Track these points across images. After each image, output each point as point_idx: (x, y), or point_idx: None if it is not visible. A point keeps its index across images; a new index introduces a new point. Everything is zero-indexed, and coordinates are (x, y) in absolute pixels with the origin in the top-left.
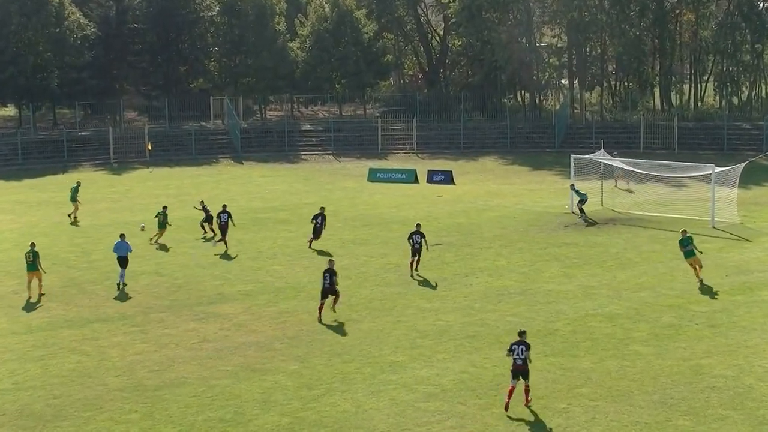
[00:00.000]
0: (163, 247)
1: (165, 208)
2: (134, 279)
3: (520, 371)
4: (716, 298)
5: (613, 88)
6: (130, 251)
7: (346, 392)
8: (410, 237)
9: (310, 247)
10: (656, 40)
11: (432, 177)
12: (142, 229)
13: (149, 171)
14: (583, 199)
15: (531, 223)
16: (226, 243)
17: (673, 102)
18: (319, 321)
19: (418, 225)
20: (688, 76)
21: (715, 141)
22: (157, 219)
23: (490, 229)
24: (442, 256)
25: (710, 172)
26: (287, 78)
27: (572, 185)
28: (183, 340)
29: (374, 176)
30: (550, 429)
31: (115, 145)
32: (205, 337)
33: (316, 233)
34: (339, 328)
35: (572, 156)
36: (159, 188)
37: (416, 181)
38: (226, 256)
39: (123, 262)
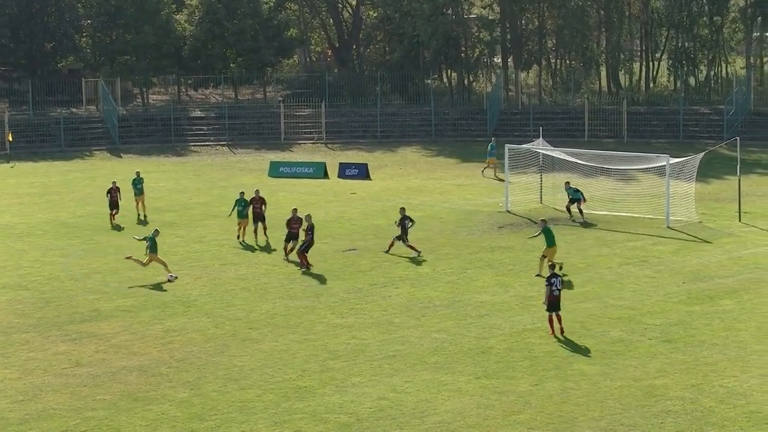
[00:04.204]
0: (24, 254)
1: (242, 193)
2: None
3: (558, 302)
4: (671, 309)
5: (553, 68)
6: None
7: (245, 423)
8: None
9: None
10: (602, 12)
11: (344, 171)
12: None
13: (10, 166)
14: (574, 199)
15: (460, 225)
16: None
17: (622, 83)
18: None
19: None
20: (639, 54)
21: (670, 128)
22: (236, 209)
23: (412, 232)
24: (356, 264)
25: (664, 163)
26: (173, 56)
27: (567, 182)
28: (52, 365)
29: (276, 171)
30: None
31: None
32: (78, 361)
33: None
34: (236, 349)
35: (507, 146)
36: (22, 186)
37: (326, 176)
38: (104, 267)
39: None
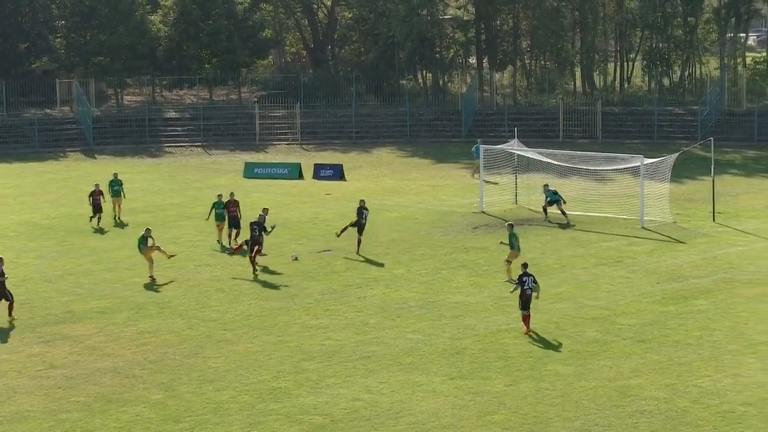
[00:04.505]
0: None
1: (220, 195)
2: None
3: (529, 301)
4: (646, 309)
5: (528, 68)
6: None
7: (220, 425)
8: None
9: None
10: (576, 12)
11: (319, 172)
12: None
13: None
14: (552, 201)
15: (434, 225)
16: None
17: (597, 84)
18: None
19: None
20: (613, 54)
21: (644, 128)
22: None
23: (386, 233)
24: (331, 265)
25: (639, 164)
26: (148, 57)
27: (546, 185)
28: (26, 367)
29: (251, 172)
30: None
31: None
32: (52, 362)
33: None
34: (210, 350)
35: (482, 146)
36: None
37: (300, 176)
38: (78, 269)
39: None
